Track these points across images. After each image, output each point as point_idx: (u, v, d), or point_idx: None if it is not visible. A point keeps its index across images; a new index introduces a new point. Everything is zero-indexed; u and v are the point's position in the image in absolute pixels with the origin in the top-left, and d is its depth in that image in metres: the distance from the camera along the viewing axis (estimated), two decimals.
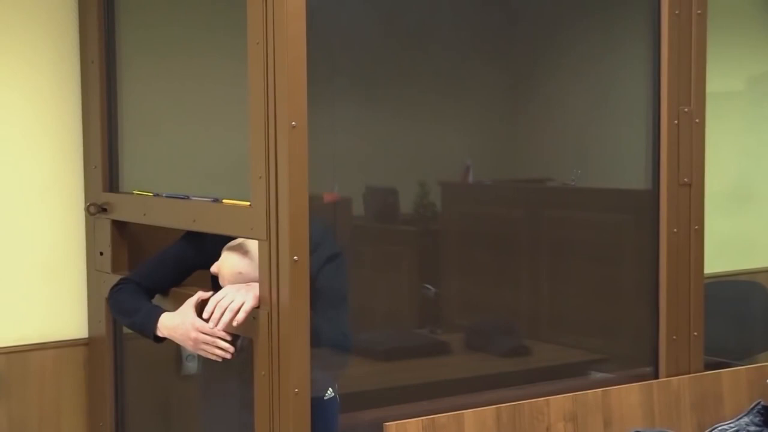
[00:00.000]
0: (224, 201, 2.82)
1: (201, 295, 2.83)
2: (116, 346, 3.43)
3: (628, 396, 3.06)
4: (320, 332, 2.72)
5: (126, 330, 3.41)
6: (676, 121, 3.17)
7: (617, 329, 3.69)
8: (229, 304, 2.68)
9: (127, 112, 3.43)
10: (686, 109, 3.18)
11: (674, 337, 3.20)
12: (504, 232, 3.80)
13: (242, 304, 2.67)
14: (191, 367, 3.66)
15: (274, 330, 2.60)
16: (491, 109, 3.86)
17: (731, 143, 4.61)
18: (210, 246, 2.93)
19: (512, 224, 3.82)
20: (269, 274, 2.60)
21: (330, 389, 3.00)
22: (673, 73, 3.16)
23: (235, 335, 2.78)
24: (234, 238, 2.86)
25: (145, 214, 3.18)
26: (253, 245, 2.75)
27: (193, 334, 2.78)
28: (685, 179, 3.19)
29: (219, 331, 2.74)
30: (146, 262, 3.10)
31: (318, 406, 2.74)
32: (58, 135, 3.47)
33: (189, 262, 3.01)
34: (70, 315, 3.51)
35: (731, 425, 3.12)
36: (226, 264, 2.84)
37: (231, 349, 2.76)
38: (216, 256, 2.89)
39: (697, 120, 3.20)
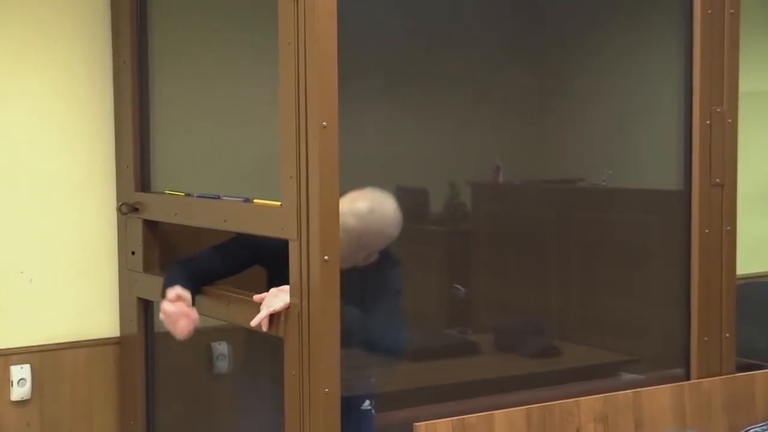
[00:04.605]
0: (255, 201, 2.83)
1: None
2: (147, 346, 3.45)
3: (659, 397, 3.05)
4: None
5: (157, 329, 3.44)
6: (708, 122, 3.15)
7: (648, 330, 3.67)
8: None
9: (158, 113, 3.45)
10: (718, 110, 3.16)
11: (706, 338, 3.18)
12: (534, 232, 3.79)
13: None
14: (222, 366, 3.67)
15: (304, 329, 2.61)
16: (522, 109, 3.85)
17: (765, 143, 4.58)
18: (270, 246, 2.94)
19: (543, 224, 3.80)
20: (300, 273, 2.60)
21: (367, 401, 2.99)
22: (706, 73, 3.14)
23: None
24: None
25: (176, 214, 3.20)
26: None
27: (161, 316, 2.89)
28: (717, 180, 3.17)
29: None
30: (205, 249, 3.12)
31: (353, 413, 2.75)
32: (90, 135, 3.49)
33: (246, 257, 3.04)
34: (102, 314, 3.53)
35: (763, 427, 3.10)
36: None
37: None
38: (273, 256, 2.89)
39: (729, 120, 3.18)
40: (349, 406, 2.70)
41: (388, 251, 2.97)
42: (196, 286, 2.98)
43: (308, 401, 2.60)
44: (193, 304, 2.92)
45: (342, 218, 2.79)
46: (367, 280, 2.93)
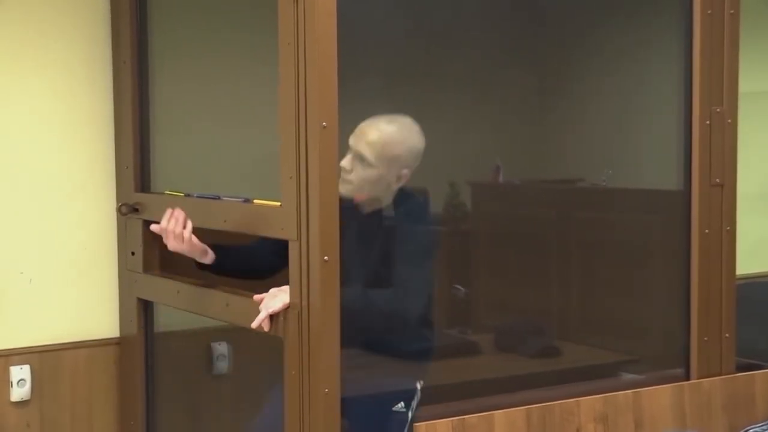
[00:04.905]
0: (255, 201, 2.83)
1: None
2: (147, 346, 3.45)
3: (659, 397, 3.04)
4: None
5: (157, 329, 3.45)
6: (708, 122, 3.15)
7: (648, 330, 3.66)
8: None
9: (158, 113, 3.45)
10: (718, 110, 3.16)
11: (706, 338, 3.18)
12: (534, 232, 3.79)
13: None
14: (222, 366, 3.67)
15: (304, 330, 2.61)
16: (522, 109, 3.84)
17: (765, 143, 4.57)
18: None
19: (543, 225, 3.80)
20: (300, 274, 2.61)
21: (402, 403, 2.95)
22: (705, 74, 3.14)
23: None
24: None
25: None
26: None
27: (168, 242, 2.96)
28: (717, 180, 3.17)
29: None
30: None
31: (380, 413, 2.74)
32: (90, 135, 3.50)
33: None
34: (102, 314, 3.53)
35: (763, 427, 3.10)
36: None
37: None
38: None
39: (729, 120, 3.17)
40: (374, 403, 2.68)
41: (418, 203, 2.98)
42: (229, 252, 3.04)
43: (308, 401, 2.60)
44: (221, 268, 3.01)
45: (365, 137, 2.85)
46: (388, 237, 2.91)
